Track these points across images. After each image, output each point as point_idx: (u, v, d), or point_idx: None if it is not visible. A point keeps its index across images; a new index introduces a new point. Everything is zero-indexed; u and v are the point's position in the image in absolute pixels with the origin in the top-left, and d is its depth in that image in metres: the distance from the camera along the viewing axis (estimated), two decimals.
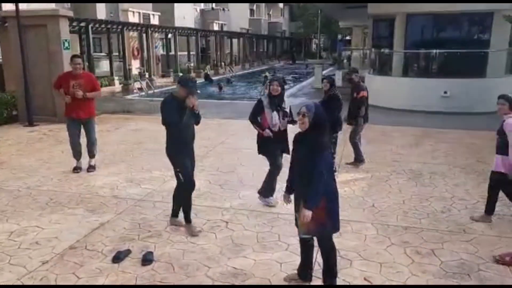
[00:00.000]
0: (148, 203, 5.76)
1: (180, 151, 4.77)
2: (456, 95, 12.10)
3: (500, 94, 4.97)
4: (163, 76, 25.88)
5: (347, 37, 59.54)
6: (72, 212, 5.46)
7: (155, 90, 19.05)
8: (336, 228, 3.57)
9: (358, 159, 7.44)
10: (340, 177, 6.62)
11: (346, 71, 16.92)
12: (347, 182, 6.52)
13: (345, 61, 35.69)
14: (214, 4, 40.45)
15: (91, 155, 7.32)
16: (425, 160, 7.77)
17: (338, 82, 16.23)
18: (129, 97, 17.34)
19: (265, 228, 4.95)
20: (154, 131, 10.28)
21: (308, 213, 3.34)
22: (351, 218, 5.18)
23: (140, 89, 18.33)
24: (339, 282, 3.72)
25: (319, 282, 3.74)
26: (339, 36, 57.83)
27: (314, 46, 67.98)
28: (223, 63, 31.89)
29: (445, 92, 12.17)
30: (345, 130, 7.51)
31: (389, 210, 5.45)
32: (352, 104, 7.39)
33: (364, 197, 5.94)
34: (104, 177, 6.83)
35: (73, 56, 7.14)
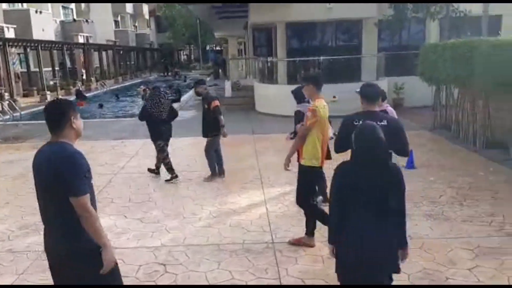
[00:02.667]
0: None
1: None
2: (344, 99, 12.70)
3: None
4: (25, 96, 22.95)
5: (217, 48, 60.49)
6: None
7: (22, 112, 16.66)
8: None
9: (214, 172, 7.31)
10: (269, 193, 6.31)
11: (235, 82, 16.93)
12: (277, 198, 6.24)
13: (220, 71, 35.91)
14: (75, 15, 37.45)
15: None
16: None
17: (228, 92, 16.04)
18: None
19: (212, 266, 4.34)
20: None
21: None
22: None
23: (2, 112, 15.87)
24: None
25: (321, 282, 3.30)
26: (207, 47, 58.29)
27: (184, 57, 67.47)
28: (93, 78, 29.57)
29: (334, 97, 12.69)
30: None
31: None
32: (208, 115, 7.15)
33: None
34: None
35: None
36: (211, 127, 7.11)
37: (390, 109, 5.53)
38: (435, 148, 9.00)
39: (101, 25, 39.65)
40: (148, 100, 7.24)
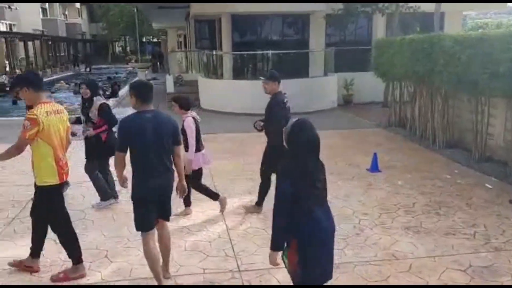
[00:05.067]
0: None
1: None
2: (294, 95, 12.13)
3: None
4: None
5: (155, 39, 58.26)
6: None
7: None
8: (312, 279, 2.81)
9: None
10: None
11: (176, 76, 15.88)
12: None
13: (158, 64, 34.34)
14: None
15: None
16: None
17: (170, 87, 14.97)
18: None
19: None
20: None
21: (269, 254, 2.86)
22: None
23: None
24: None
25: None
26: (143, 39, 55.88)
27: (119, 49, 64.45)
28: (18, 71, 27.01)
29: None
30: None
31: None
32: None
33: None
34: None
35: None
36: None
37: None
38: (394, 147, 8.64)
39: (26, 12, 36.44)
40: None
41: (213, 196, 5.43)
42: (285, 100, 5.20)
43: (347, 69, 14.06)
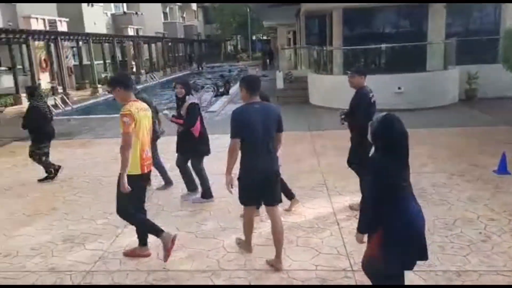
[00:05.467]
0: (101, 276, 4.12)
1: None
2: (409, 91, 11.55)
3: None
4: (78, 89, 23.21)
5: (264, 37, 59.58)
6: None
7: (73, 106, 16.64)
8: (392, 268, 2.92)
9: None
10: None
11: (286, 72, 16.07)
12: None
13: (268, 61, 35.08)
14: (125, 7, 37.73)
15: None
16: (416, 168, 6.85)
17: (280, 84, 15.20)
18: None
19: None
20: (82, 160, 8.44)
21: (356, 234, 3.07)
22: None
23: (55, 106, 15.86)
24: None
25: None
26: (254, 37, 57.40)
27: (231, 48, 67.12)
28: (143, 71, 29.63)
29: (399, 88, 11.55)
30: None
31: None
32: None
33: None
34: (30, 238, 5.01)
35: None
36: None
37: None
38: None
39: (150, 17, 39.79)
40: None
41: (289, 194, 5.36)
42: (371, 95, 5.16)
43: (470, 62, 12.95)
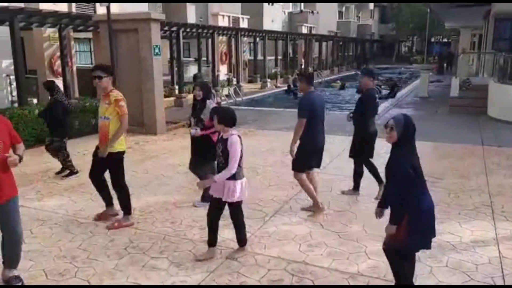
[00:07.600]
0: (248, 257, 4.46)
1: None
2: None
3: None
4: (249, 82, 25.02)
5: (444, 40, 55.22)
6: (154, 264, 4.32)
7: (243, 98, 18.03)
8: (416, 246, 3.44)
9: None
10: None
11: (464, 79, 14.70)
12: None
13: (445, 65, 32.54)
14: (302, 6, 38.98)
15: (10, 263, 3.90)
16: None
17: (454, 91, 13.99)
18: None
19: None
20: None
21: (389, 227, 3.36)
22: None
23: (228, 96, 17.42)
24: None
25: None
26: (432, 39, 53.46)
27: (405, 49, 64.00)
28: (310, 68, 30.36)
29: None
30: None
31: None
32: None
33: None
34: (193, 211, 5.67)
35: None
36: None
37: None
38: None
39: (326, 15, 40.41)
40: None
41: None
42: (377, 95, 5.92)
43: None
